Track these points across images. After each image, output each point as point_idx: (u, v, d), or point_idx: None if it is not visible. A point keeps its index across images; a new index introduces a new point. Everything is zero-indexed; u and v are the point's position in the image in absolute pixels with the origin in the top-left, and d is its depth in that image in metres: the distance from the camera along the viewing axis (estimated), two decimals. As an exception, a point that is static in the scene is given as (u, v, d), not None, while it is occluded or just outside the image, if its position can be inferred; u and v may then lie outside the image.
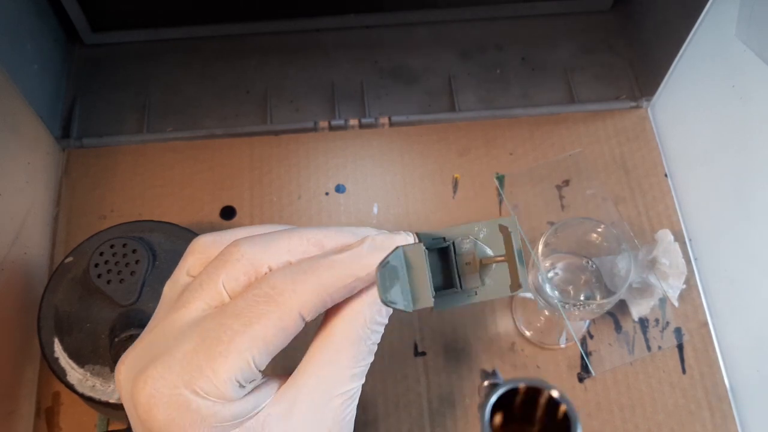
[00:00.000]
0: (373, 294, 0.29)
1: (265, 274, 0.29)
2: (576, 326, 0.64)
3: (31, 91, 0.65)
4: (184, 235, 0.57)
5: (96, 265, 0.52)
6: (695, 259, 0.67)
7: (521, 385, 0.39)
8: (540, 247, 0.56)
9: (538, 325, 0.64)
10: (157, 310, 0.31)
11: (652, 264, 0.64)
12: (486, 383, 0.43)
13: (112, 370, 0.52)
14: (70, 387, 0.52)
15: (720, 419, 0.61)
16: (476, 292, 0.31)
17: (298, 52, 0.79)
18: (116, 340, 0.49)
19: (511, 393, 0.39)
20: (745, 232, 0.61)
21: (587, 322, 0.64)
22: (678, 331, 0.64)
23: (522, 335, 0.64)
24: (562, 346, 0.63)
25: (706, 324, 0.64)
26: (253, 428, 0.27)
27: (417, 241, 0.30)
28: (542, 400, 0.39)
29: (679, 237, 0.67)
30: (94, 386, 0.52)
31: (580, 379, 0.62)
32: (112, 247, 0.53)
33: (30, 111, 0.65)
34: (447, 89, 0.76)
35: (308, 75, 0.77)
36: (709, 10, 0.61)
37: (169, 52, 0.78)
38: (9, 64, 0.60)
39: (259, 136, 0.73)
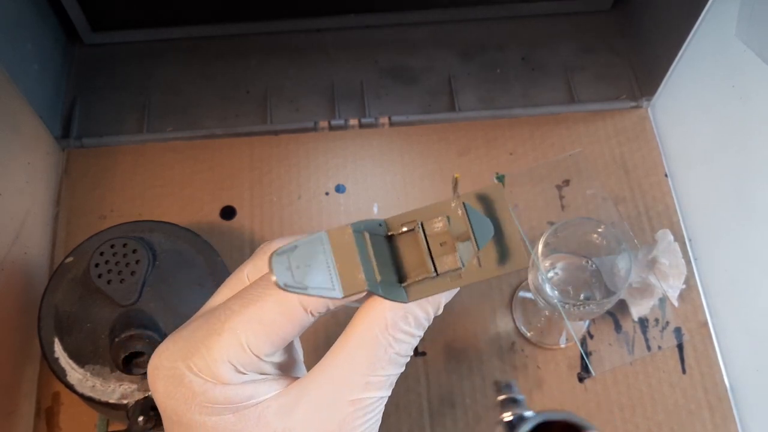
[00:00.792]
0: None
1: None
2: (576, 326, 0.64)
3: (31, 91, 0.65)
4: (185, 235, 0.57)
5: (96, 265, 0.52)
6: (695, 259, 0.67)
7: (558, 419, 0.36)
8: (540, 247, 0.56)
9: (538, 325, 0.64)
10: None
11: (652, 264, 0.64)
12: (502, 397, 0.42)
13: (112, 370, 0.52)
14: (70, 387, 0.52)
15: (720, 419, 0.61)
16: (460, 274, 0.27)
17: (298, 52, 0.79)
18: (116, 340, 0.49)
19: (545, 426, 0.36)
20: (745, 232, 0.61)
21: (587, 322, 0.64)
22: (678, 331, 0.64)
23: (522, 335, 0.64)
24: (562, 346, 0.63)
25: (706, 324, 0.64)
26: (248, 417, 0.27)
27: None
28: None
29: (679, 237, 0.67)
30: (94, 386, 0.52)
31: (580, 379, 0.62)
32: (112, 247, 0.53)
33: (30, 111, 0.65)
34: (447, 89, 0.76)
35: (308, 75, 0.77)
36: (709, 10, 0.61)
37: (169, 52, 0.78)
38: (9, 64, 0.60)
39: (259, 136, 0.73)
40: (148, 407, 0.49)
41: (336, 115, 0.74)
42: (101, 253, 0.53)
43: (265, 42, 0.79)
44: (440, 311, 0.29)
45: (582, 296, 0.60)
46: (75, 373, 0.52)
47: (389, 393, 0.28)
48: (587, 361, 0.62)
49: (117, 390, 0.51)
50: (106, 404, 0.52)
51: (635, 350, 0.63)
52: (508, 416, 0.37)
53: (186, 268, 0.55)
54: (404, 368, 0.29)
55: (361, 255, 0.26)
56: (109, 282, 0.52)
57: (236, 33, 0.79)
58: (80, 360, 0.52)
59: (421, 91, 0.76)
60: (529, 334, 0.63)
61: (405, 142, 0.73)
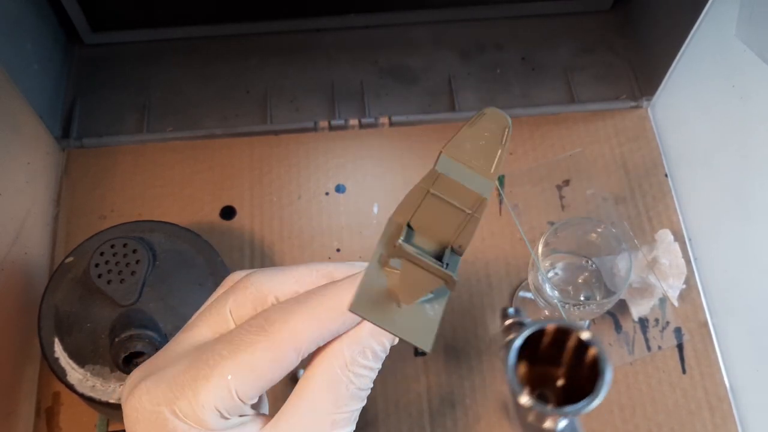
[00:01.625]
0: (356, 333, 0.28)
1: (272, 304, 0.28)
2: (576, 326, 0.64)
3: (31, 91, 0.65)
4: (185, 236, 0.57)
5: (96, 265, 0.52)
6: (695, 259, 0.67)
7: (549, 326, 0.37)
8: (540, 247, 0.56)
9: (538, 325, 0.64)
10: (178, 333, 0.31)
11: (652, 264, 0.64)
12: (509, 322, 0.41)
13: (112, 370, 0.52)
14: (70, 387, 0.52)
15: (720, 419, 0.61)
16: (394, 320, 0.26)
17: (298, 52, 0.79)
18: (116, 340, 0.49)
19: (538, 334, 0.37)
20: (745, 232, 0.61)
21: (587, 322, 0.64)
22: (678, 331, 0.64)
23: (522, 335, 0.64)
24: (562, 346, 0.63)
25: (706, 324, 0.64)
26: None
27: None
28: (571, 343, 0.37)
29: (679, 237, 0.67)
30: (94, 386, 0.52)
31: (580, 379, 0.62)
32: (112, 247, 0.53)
33: (30, 111, 0.65)
34: (447, 89, 0.76)
35: (308, 75, 0.77)
36: (709, 10, 0.61)
37: (169, 52, 0.78)
38: (9, 64, 0.60)
39: (259, 136, 0.73)
40: None
41: (336, 115, 0.74)
42: (101, 253, 0.53)
43: (265, 42, 0.79)
44: (395, 341, 0.29)
45: (582, 296, 0.60)
46: (75, 373, 0.52)
47: (354, 427, 0.29)
48: (587, 361, 0.62)
49: (117, 390, 0.51)
50: (106, 404, 0.52)
51: (635, 350, 0.63)
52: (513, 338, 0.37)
53: (186, 268, 0.55)
54: (365, 401, 0.29)
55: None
56: (109, 282, 0.52)
57: (236, 33, 0.79)
58: (80, 360, 0.52)
59: (422, 91, 0.76)
60: (529, 334, 0.63)
61: (405, 142, 0.73)
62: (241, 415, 0.28)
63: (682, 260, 0.65)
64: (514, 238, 0.68)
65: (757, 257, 0.59)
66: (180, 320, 0.53)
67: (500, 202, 0.69)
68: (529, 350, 0.37)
